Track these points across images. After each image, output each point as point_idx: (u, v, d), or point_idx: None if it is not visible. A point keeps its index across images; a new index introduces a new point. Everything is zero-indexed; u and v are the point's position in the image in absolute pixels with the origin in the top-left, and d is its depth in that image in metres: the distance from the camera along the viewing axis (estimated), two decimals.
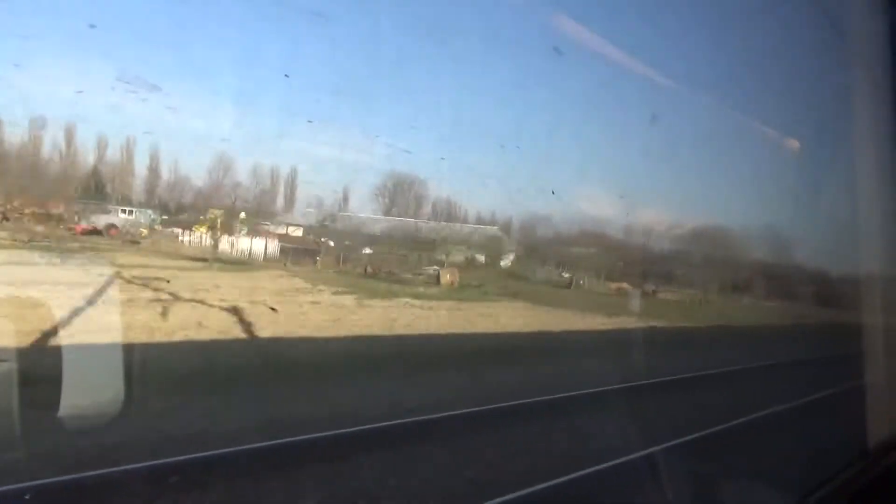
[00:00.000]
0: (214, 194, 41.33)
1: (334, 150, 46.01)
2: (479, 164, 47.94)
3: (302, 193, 40.96)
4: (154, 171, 41.54)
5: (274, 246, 30.10)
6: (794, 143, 14.17)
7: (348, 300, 18.41)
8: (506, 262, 46.72)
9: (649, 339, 20.05)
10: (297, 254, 29.42)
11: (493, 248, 46.50)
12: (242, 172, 37.13)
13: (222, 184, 39.34)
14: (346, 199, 41.86)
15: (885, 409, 3.78)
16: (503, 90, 37.86)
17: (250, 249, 28.84)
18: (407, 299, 20.23)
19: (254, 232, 32.61)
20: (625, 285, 44.21)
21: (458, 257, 42.37)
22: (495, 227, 48.66)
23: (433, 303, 19.93)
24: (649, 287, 42.79)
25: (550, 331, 18.48)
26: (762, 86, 23.47)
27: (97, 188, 42.73)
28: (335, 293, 19.77)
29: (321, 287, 21.02)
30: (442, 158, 40.87)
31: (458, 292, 25.40)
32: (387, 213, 43.97)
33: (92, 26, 26.09)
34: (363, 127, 37.16)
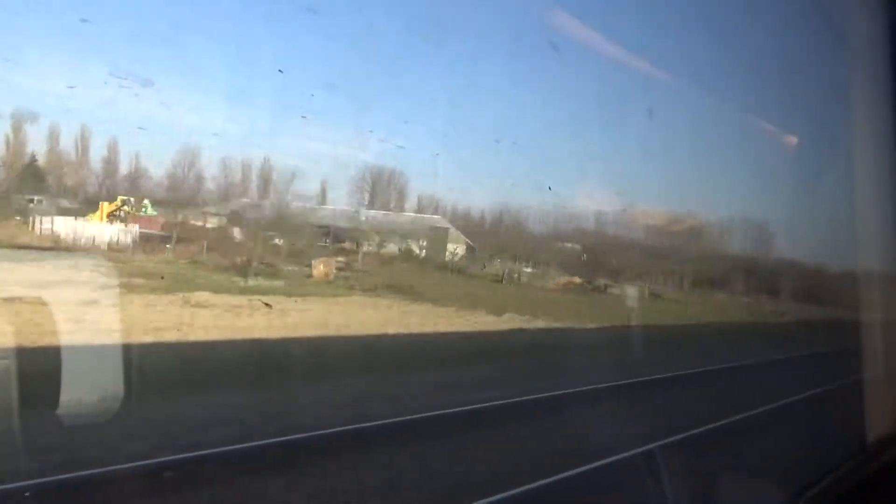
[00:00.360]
0: (178, 186, 39.64)
1: (327, 145, 44.77)
2: (474, 160, 46.88)
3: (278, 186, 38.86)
4: (112, 162, 40.41)
5: (133, 233, 26.25)
6: (792, 140, 13.82)
7: (95, 296, 14.17)
8: (451, 254, 42.91)
9: (509, 343, 15.64)
10: (154, 241, 25.56)
11: (437, 240, 42.40)
12: (231, 167, 36.29)
13: (186, 176, 38.03)
14: (324, 192, 40.96)
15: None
16: (499, 86, 37.15)
17: (94, 237, 24.91)
18: (204, 294, 15.93)
19: (134, 219, 29.24)
20: (576, 279, 40.22)
21: (382, 247, 38.38)
22: (438, 217, 44.29)
23: (228, 297, 15.60)
24: (601, 282, 38.54)
25: (370, 333, 14.10)
26: (759, 82, 22.92)
27: (35, 179, 40.97)
28: (103, 287, 15.53)
29: (111, 280, 16.90)
30: (436, 154, 40.41)
31: (315, 287, 21.17)
32: (370, 206, 43.01)
33: (84, 20, 24.44)
34: (357, 122, 36.12)
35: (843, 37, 5.00)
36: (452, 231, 45.30)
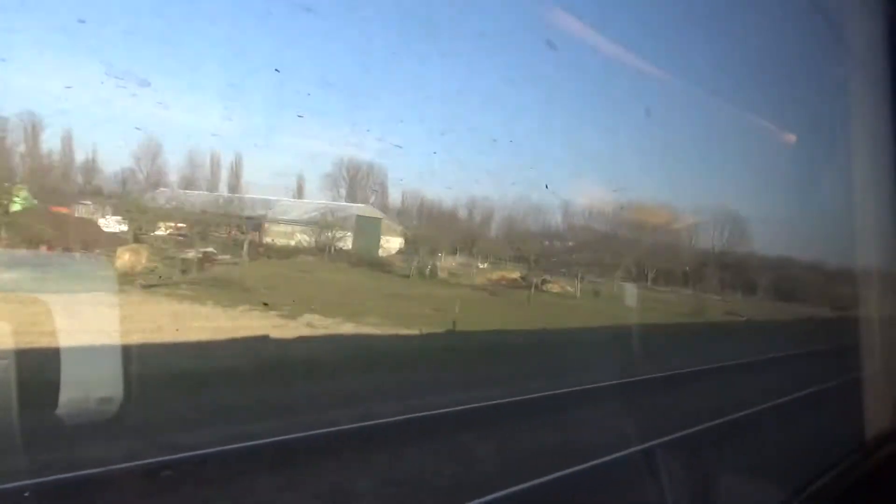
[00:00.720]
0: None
1: (324, 143, 44.18)
2: (472, 158, 47.73)
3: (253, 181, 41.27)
4: (68, 157, 38.84)
5: None
6: (791, 138, 13.11)
7: None
8: (381, 247, 38.79)
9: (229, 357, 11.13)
10: None
11: (366, 231, 38.10)
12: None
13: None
14: (300, 187, 41.72)
15: None
16: (496, 84, 36.40)
17: None
18: None
19: None
20: (511, 275, 35.68)
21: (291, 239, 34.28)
22: (365, 206, 39.88)
23: None
24: (540, 277, 33.96)
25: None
26: (759, 80, 22.18)
27: None
28: None
29: None
30: (434, 153, 39.66)
31: (95, 281, 16.95)
32: (350, 200, 41.81)
33: (81, 21, 24.24)
34: (354, 121, 35.32)
35: (843, 36, 5.04)
36: (387, 222, 40.94)
